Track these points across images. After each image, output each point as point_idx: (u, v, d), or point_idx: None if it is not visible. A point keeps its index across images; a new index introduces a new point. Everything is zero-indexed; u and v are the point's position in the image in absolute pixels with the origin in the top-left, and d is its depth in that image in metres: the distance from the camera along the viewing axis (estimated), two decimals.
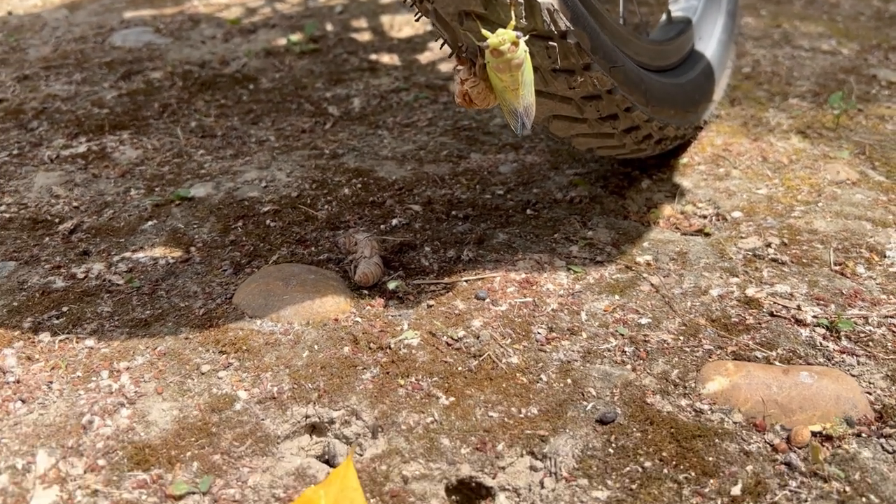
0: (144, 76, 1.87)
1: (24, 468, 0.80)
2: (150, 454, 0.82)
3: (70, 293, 1.09)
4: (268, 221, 1.25)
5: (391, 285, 1.07)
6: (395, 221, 1.24)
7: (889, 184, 1.35)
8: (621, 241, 1.19)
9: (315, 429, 0.88)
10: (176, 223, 1.26)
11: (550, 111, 1.04)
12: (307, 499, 0.76)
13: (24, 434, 0.84)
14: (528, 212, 1.27)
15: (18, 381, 0.92)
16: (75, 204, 1.34)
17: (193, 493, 0.77)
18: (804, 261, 1.13)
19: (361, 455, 0.83)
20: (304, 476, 0.80)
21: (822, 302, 1.04)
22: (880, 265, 1.12)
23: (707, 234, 1.21)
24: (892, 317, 1.01)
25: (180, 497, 0.77)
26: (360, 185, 1.36)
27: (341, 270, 1.11)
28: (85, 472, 0.80)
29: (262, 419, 0.87)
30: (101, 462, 0.81)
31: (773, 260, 1.13)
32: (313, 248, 1.17)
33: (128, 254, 1.19)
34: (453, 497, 0.78)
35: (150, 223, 1.27)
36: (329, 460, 0.85)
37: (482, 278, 1.10)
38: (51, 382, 0.92)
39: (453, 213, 1.27)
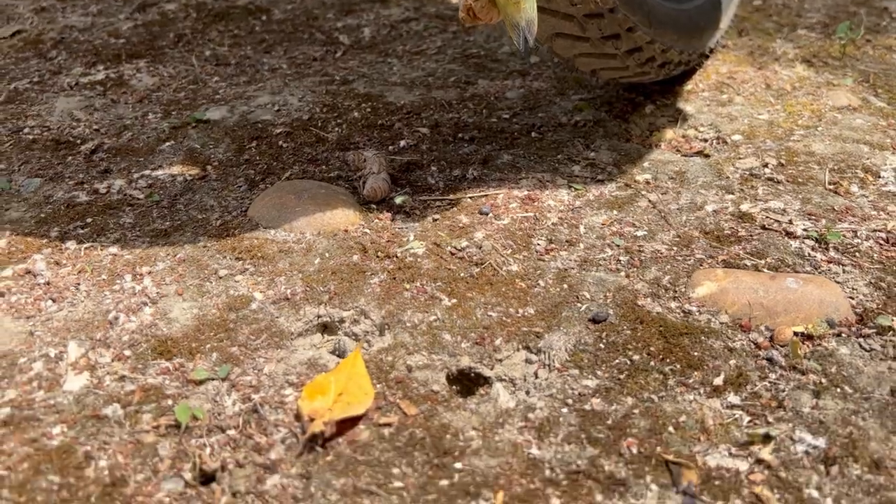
0: (159, 7, 1.90)
1: (57, 357, 0.86)
2: (171, 346, 0.88)
3: (93, 206, 1.15)
4: (280, 142, 1.30)
5: (398, 200, 1.11)
6: (402, 143, 1.28)
7: (890, 110, 1.37)
8: (622, 162, 1.22)
9: (326, 328, 0.93)
10: (193, 144, 1.31)
11: (553, 29, 1.07)
12: (318, 383, 0.82)
13: (56, 328, 0.91)
14: (533, 134, 1.31)
15: (48, 283, 0.98)
16: (95, 127, 1.39)
17: (213, 379, 0.84)
18: (799, 180, 1.17)
19: (369, 348, 0.89)
20: (316, 365, 0.86)
21: (813, 217, 1.08)
22: (874, 185, 1.16)
23: (706, 156, 1.24)
24: (880, 230, 1.04)
25: (201, 382, 0.83)
26: (369, 109, 1.40)
27: (350, 187, 1.15)
28: (112, 361, 0.86)
29: (277, 317, 0.92)
30: (126, 352, 0.87)
31: (769, 179, 1.17)
32: (324, 167, 1.22)
33: (147, 171, 1.24)
34: (453, 385, 0.84)
35: (167, 144, 1.31)
36: (339, 355, 0.91)
37: (486, 195, 1.14)
38: (78, 284, 0.98)
39: (459, 135, 1.31)
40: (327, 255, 1.02)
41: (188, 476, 0.73)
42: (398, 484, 0.72)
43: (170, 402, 0.81)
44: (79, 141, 1.34)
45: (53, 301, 0.95)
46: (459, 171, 1.20)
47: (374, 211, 1.10)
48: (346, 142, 1.29)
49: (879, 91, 1.43)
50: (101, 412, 0.79)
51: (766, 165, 1.20)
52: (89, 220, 1.11)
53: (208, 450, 0.75)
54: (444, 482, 0.72)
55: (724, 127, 1.32)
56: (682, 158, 1.23)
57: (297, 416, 0.79)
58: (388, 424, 0.78)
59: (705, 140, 1.29)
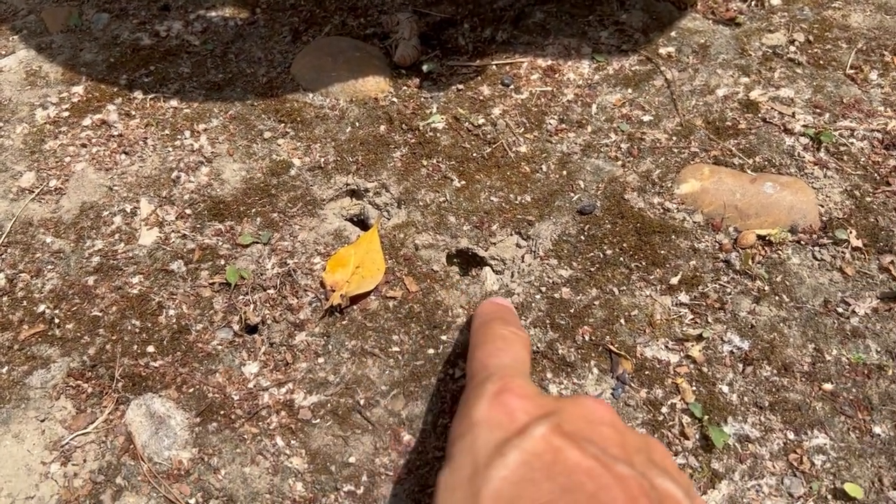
0: None
1: (132, 212, 1.06)
2: (223, 209, 1.05)
3: (155, 52, 1.27)
4: None
5: (426, 67, 1.20)
6: None
7: None
8: (651, 28, 1.25)
9: (354, 194, 1.09)
10: None
11: None
12: (340, 256, 0.99)
13: (129, 183, 1.09)
14: None
15: (121, 135, 1.15)
16: None
17: (257, 242, 1.02)
18: (821, 62, 1.19)
19: (387, 223, 1.05)
20: (341, 237, 1.03)
21: (818, 110, 1.12)
22: (895, 71, 1.17)
23: (738, 24, 1.25)
24: (877, 130, 1.09)
25: (247, 245, 1.02)
26: None
27: (384, 47, 1.24)
28: (176, 219, 1.05)
29: (311, 185, 1.08)
30: (188, 211, 1.06)
31: (791, 59, 1.19)
32: (362, 20, 1.29)
33: (202, 11, 1.33)
34: (451, 265, 1.01)
35: None
36: (363, 221, 1.07)
37: (511, 62, 1.21)
38: (146, 139, 1.14)
39: None
40: (357, 124, 1.14)
41: (236, 327, 0.95)
42: (396, 349, 0.92)
43: (222, 262, 1.00)
44: None
45: (126, 154, 1.13)
46: (490, 30, 1.26)
47: (403, 77, 1.20)
48: None
49: None
50: (169, 266, 1.00)
51: (792, 42, 1.21)
52: (152, 67, 1.24)
53: (252, 306, 0.96)
54: (431, 350, 0.92)
55: None
56: (711, 27, 1.25)
57: (322, 284, 0.98)
58: (394, 298, 0.96)
59: (744, 1, 1.29)
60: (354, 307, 0.96)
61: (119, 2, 1.36)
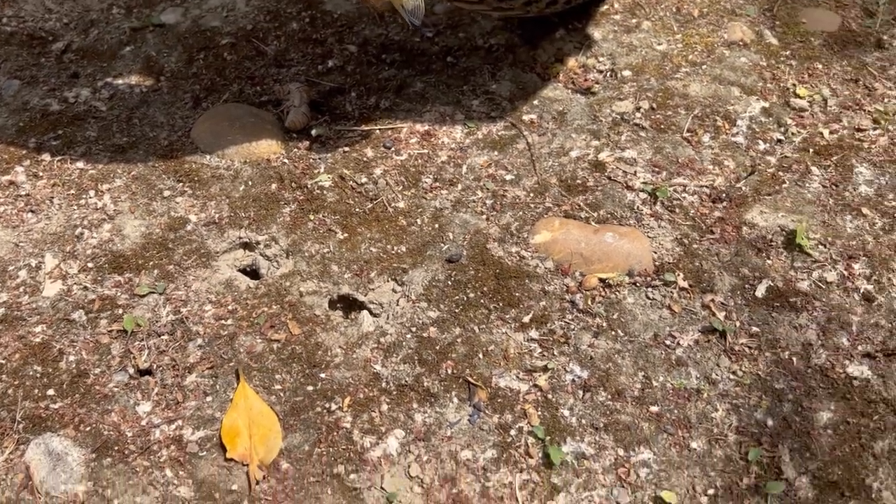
0: None
1: (37, 266, 1.14)
2: (123, 262, 1.15)
3: (64, 116, 1.37)
4: (225, 54, 1.48)
5: (315, 131, 1.33)
6: (331, 63, 1.46)
7: (778, 47, 1.52)
8: (517, 97, 1.41)
9: (246, 246, 1.20)
10: (149, 50, 1.49)
11: None
12: (228, 427, 0.97)
13: (35, 240, 1.18)
14: (448, 59, 1.48)
15: (28, 195, 1.24)
16: (65, 20, 1.55)
17: (153, 292, 1.12)
18: (662, 126, 1.37)
19: (277, 270, 1.16)
20: (231, 286, 1.14)
21: (657, 169, 1.30)
22: (725, 134, 1.36)
23: (593, 93, 1.43)
24: (706, 186, 1.27)
25: (143, 295, 1.11)
26: (308, 20, 1.55)
27: (277, 114, 1.36)
28: (79, 272, 1.14)
29: (206, 239, 1.19)
30: (90, 265, 1.15)
31: (636, 125, 1.37)
32: (258, 88, 1.41)
33: (109, 79, 1.44)
34: (333, 310, 1.12)
35: (128, 48, 1.50)
36: (255, 271, 1.18)
37: (392, 127, 1.35)
38: (52, 198, 1.23)
39: (383, 56, 1.48)
40: (250, 182, 1.26)
41: (131, 371, 1.04)
42: (278, 387, 1.03)
43: (120, 311, 1.10)
44: (50, 38, 1.52)
45: (33, 213, 1.21)
46: (375, 98, 1.40)
47: (294, 140, 1.32)
48: (282, 58, 1.47)
49: (777, 24, 1.57)
50: (71, 316, 1.09)
51: (638, 109, 1.39)
52: (60, 131, 1.34)
53: (147, 351, 1.06)
54: (310, 387, 1.03)
55: (621, 59, 1.48)
56: (569, 96, 1.42)
57: (227, 460, 1.00)
58: (278, 340, 1.07)
59: (601, 72, 1.47)
60: (241, 351, 1.06)
61: (30, 69, 1.45)
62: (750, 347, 1.07)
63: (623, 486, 0.95)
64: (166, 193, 1.24)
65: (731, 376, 1.04)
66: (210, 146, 1.30)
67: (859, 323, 1.09)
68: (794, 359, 1.06)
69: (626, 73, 1.46)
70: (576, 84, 1.44)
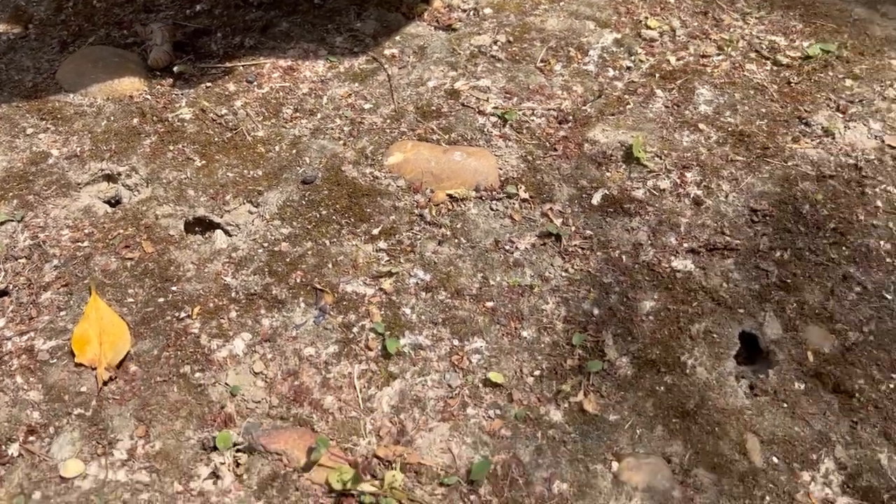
0: None
1: None
2: None
3: None
4: (94, 2, 1.50)
5: (178, 69, 1.37)
6: (198, 7, 1.50)
7: None
8: (381, 34, 1.47)
9: (109, 178, 1.24)
10: (19, 0, 1.51)
11: None
12: (78, 335, 1.01)
13: None
14: (315, 0, 1.53)
15: None
16: None
17: (11, 220, 1.15)
18: (517, 57, 1.44)
19: (136, 197, 1.20)
20: (89, 212, 1.17)
21: (509, 95, 1.36)
22: (577, 63, 1.43)
23: (454, 30, 1.49)
24: (554, 109, 1.34)
25: (2, 223, 1.14)
26: None
27: (141, 52, 1.40)
28: None
29: (67, 171, 1.22)
30: None
31: (493, 56, 1.44)
32: (125, 32, 1.44)
33: None
34: (189, 232, 1.17)
35: None
36: (118, 201, 1.22)
37: (256, 63, 1.39)
38: None
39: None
40: (112, 118, 1.29)
41: None
42: (130, 300, 1.07)
43: None
44: None
45: None
46: (240, 38, 1.44)
47: (158, 78, 1.36)
48: (151, 4, 1.50)
49: None
50: None
51: (495, 42, 1.46)
52: None
53: (2, 273, 1.09)
54: (161, 300, 1.07)
55: None
56: (431, 32, 1.48)
57: (77, 365, 1.05)
58: (132, 259, 1.11)
59: (464, 11, 1.53)
60: (96, 265, 1.10)
61: None
62: (583, 248, 1.15)
63: (455, 371, 1.02)
64: (29, 131, 1.27)
65: (563, 273, 1.12)
66: (74, 85, 1.32)
67: (687, 224, 1.18)
68: (624, 257, 1.14)
69: (487, 10, 1.53)
70: (439, 22, 1.51)
